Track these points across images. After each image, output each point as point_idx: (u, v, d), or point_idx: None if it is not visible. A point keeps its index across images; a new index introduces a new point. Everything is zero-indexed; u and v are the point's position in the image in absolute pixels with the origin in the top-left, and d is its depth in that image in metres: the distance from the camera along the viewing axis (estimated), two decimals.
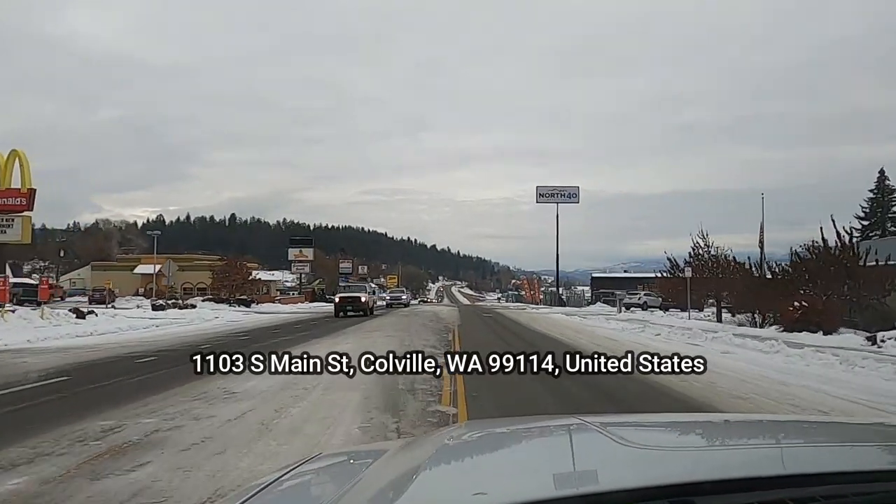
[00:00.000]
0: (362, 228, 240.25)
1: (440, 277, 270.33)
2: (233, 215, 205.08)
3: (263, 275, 64.62)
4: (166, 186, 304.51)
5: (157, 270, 43.17)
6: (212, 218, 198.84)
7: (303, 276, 70.90)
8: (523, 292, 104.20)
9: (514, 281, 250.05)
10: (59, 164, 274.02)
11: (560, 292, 72.33)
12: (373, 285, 36.36)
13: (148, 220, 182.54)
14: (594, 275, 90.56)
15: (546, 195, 71.53)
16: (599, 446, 1.42)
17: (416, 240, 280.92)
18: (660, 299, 48.77)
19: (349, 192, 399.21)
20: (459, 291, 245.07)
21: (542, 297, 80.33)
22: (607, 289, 70.16)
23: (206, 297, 50.19)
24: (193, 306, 38.89)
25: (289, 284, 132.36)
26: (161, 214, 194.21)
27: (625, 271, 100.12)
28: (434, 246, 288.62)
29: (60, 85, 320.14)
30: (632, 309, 46.06)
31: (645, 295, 47.97)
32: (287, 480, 1.53)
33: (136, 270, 58.52)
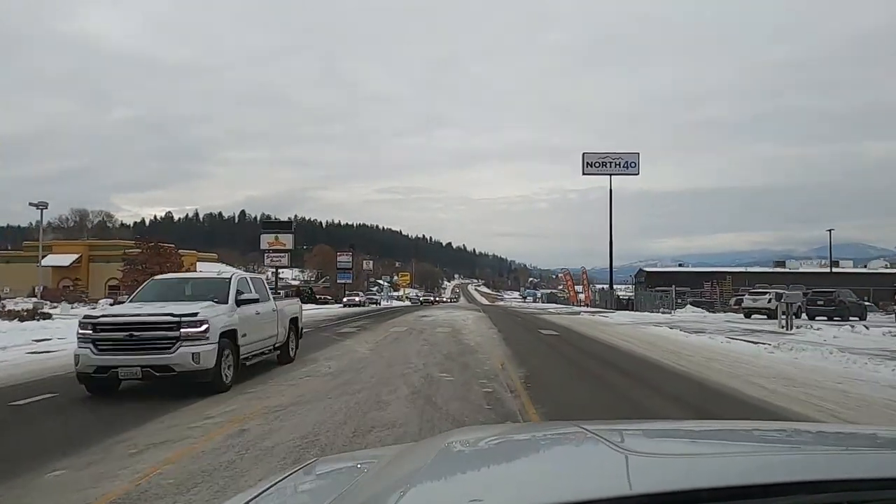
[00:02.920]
0: (377, 226, 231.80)
1: (456, 276, 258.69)
2: (242, 212, 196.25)
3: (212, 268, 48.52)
4: (182, 185, 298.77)
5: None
6: (220, 214, 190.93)
7: (282, 270, 54.81)
8: (563, 290, 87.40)
9: (531, 279, 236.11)
10: (75, 164, 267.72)
11: (612, 290, 55.64)
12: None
13: (156, 218, 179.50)
14: (646, 269, 73.76)
15: (596, 164, 54.91)
16: (598, 454, 1.38)
17: (431, 237, 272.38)
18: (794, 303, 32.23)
19: (364, 190, 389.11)
20: (476, 290, 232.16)
21: (590, 297, 63.61)
22: (664, 286, 53.55)
23: (118, 299, 34.42)
24: (48, 315, 23.00)
25: (294, 282, 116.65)
26: (170, 212, 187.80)
27: (679, 265, 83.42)
28: (449, 244, 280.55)
29: (75, 84, 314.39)
30: (767, 315, 29.65)
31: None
32: (284, 486, 1.51)
33: (45, 262, 42.96)
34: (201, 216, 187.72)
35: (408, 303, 74.52)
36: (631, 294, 57.73)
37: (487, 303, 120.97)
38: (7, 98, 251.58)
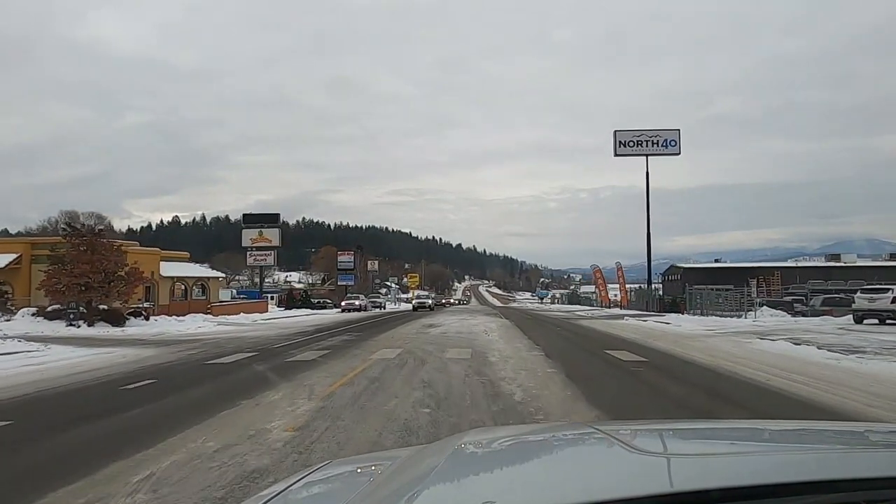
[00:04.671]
0: (386, 228, 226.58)
1: (466, 277, 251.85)
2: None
3: (198, 270, 41.19)
4: (194, 190, 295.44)
5: None
6: (227, 218, 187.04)
7: (266, 270, 47.46)
8: (575, 288, 79.73)
9: (542, 279, 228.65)
10: (87, 170, 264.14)
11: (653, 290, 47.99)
12: None
13: (163, 222, 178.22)
14: (684, 265, 66.11)
15: (630, 144, 47.56)
16: (610, 454, 1.38)
17: (441, 239, 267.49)
18: None
19: (375, 192, 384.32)
20: (487, 291, 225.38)
21: (627, 297, 56.07)
22: (704, 284, 46.00)
23: (45, 308, 27.27)
24: None
25: (299, 285, 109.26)
26: (177, 216, 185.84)
27: (715, 260, 75.86)
28: (460, 245, 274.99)
29: (87, 90, 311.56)
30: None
31: None
32: (298, 488, 1.51)
33: None
34: (208, 220, 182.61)
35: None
36: (661, 292, 50.07)
37: (500, 304, 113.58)
38: (20, 106, 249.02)
